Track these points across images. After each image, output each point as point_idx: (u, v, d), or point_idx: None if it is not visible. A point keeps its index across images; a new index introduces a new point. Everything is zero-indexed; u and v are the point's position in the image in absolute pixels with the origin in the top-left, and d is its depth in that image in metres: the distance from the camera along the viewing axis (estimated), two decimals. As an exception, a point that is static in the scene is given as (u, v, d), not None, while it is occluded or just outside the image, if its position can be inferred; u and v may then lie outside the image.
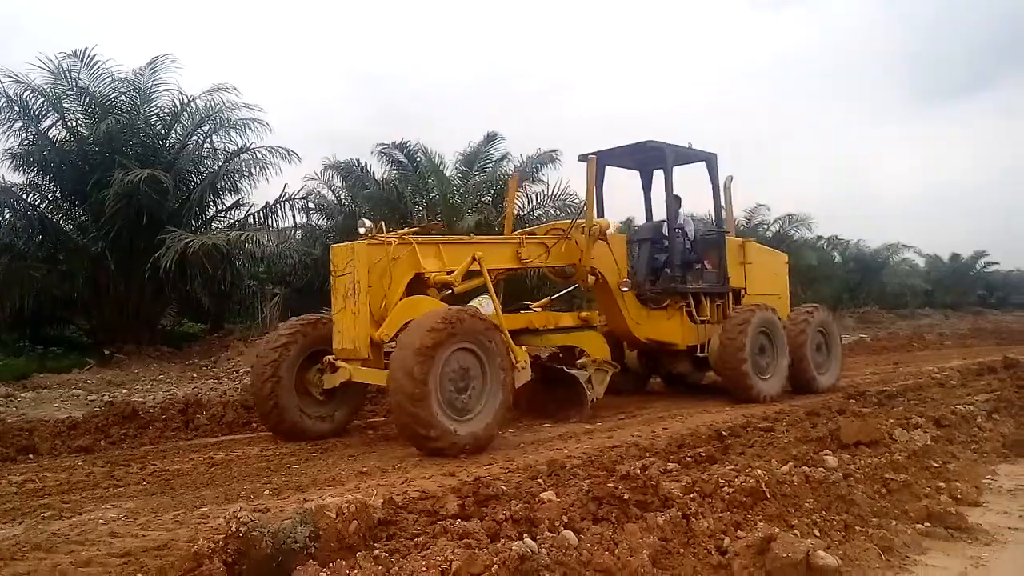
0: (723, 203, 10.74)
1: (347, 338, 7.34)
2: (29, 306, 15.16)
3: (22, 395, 10.95)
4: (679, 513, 3.77)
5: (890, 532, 4.15)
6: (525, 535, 3.43)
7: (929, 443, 5.86)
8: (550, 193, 19.70)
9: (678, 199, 10.58)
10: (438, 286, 7.70)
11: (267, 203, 17.45)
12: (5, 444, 7.24)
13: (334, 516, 3.00)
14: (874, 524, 4.24)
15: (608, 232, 9.40)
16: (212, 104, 16.63)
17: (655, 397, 10.65)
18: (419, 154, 19.87)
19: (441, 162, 20.07)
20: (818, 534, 3.98)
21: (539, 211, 19.77)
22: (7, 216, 15.57)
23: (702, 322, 10.16)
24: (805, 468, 4.68)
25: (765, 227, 35.99)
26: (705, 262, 10.49)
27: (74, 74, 15.55)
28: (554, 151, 20.07)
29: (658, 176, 11.03)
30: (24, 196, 15.74)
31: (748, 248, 11.11)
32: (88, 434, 7.70)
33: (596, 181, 10.57)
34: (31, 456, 7.12)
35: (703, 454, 5.67)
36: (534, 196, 19.91)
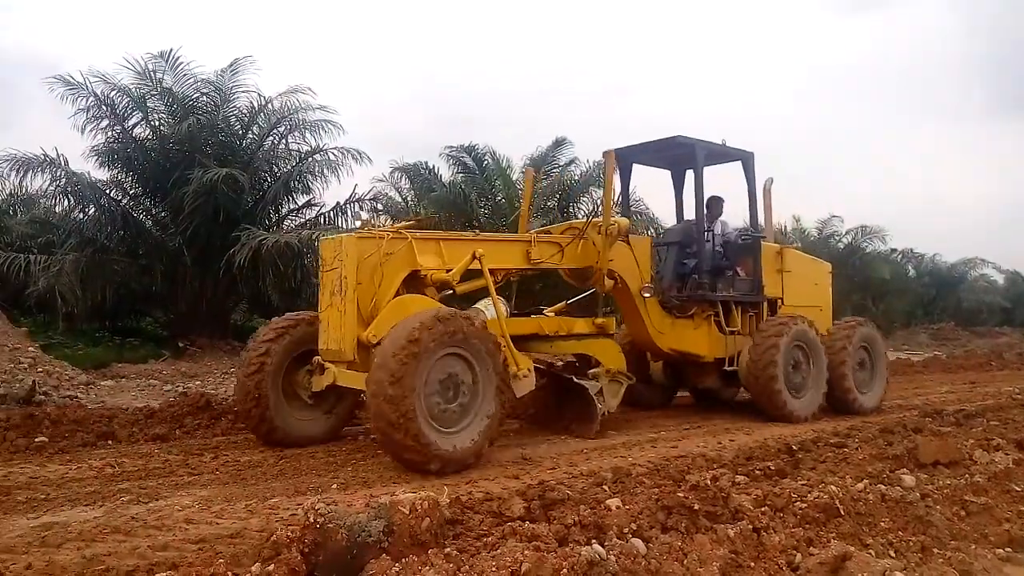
0: (760, 206, 10.16)
1: (332, 338, 6.91)
2: (110, 298, 15.77)
3: (102, 383, 11.40)
4: (750, 526, 3.70)
5: (969, 556, 4.00)
6: (593, 541, 3.43)
7: (1011, 465, 5.61)
8: (616, 199, 19.57)
9: (719, 200, 10.10)
10: (436, 285, 7.15)
11: (337, 203, 17.79)
12: (86, 430, 7.53)
13: (407, 512, 3.04)
14: (952, 547, 4.09)
15: (631, 234, 8.89)
16: (288, 105, 17.06)
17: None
18: (486, 157, 20.03)
19: (508, 166, 20.21)
20: (894, 555, 3.87)
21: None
22: (91, 211, 16.21)
23: (732, 333, 9.51)
24: (881, 486, 4.55)
25: (837, 238, 35.22)
26: (739, 269, 9.81)
27: (158, 75, 16.14)
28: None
29: (691, 176, 10.21)
30: (108, 192, 16.39)
31: (786, 255, 10.38)
32: (164, 423, 7.96)
33: (623, 179, 10.32)
34: (110, 442, 7.40)
35: (772, 468, 5.56)
36: (598, 201, 19.83)
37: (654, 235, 21.15)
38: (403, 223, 7.83)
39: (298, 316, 7.50)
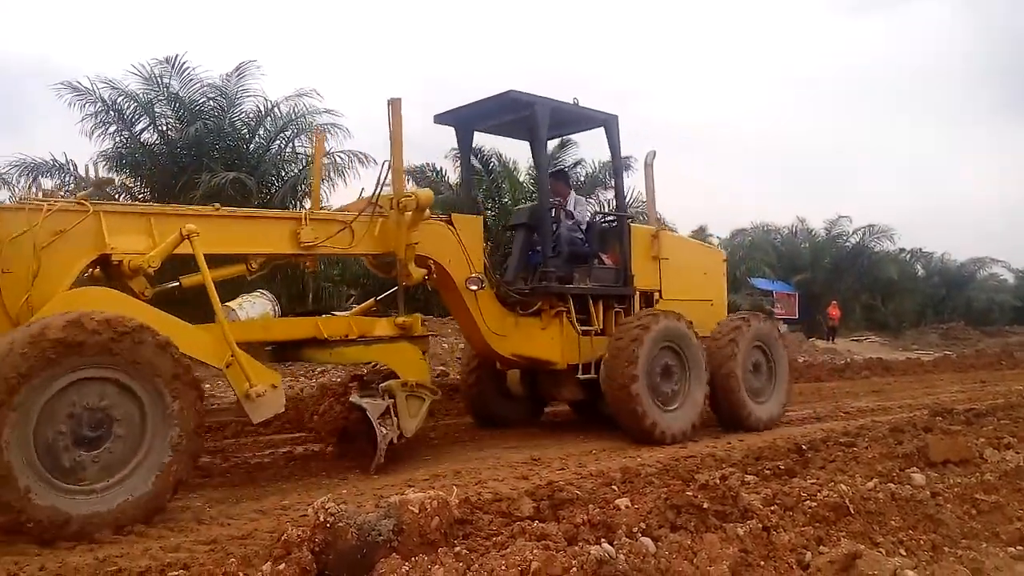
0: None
1: None
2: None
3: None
4: (759, 525, 3.69)
5: (980, 554, 3.98)
6: (603, 540, 3.43)
7: (1022, 464, 5.59)
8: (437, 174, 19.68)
9: (562, 174, 8.89)
10: (131, 274, 5.49)
11: (343, 206, 17.83)
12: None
13: (417, 511, 3.05)
14: (963, 545, 4.08)
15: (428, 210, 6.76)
16: (295, 109, 17.13)
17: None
18: (493, 159, 20.08)
19: (515, 167, 20.27)
20: (904, 553, 3.86)
21: (612, 218, 19.68)
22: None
23: (589, 333, 7.92)
24: (891, 485, 4.53)
25: (844, 238, 35.18)
26: (605, 256, 8.41)
27: (165, 80, 16.26)
28: (628, 157, 19.95)
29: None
30: (117, 196, 16.48)
31: (664, 240, 8.79)
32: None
33: (462, 150, 9.22)
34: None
35: (782, 467, 5.55)
36: (607, 203, 19.88)
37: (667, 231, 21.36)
38: (84, 192, 6.18)
39: None
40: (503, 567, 2.90)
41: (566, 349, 7.81)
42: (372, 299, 7.92)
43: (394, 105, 6.53)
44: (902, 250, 37.41)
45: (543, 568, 2.89)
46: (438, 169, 20.34)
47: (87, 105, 15.74)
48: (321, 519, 2.95)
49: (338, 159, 17.23)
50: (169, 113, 16.55)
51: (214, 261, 5.93)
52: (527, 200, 19.64)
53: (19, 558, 4.01)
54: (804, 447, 6.42)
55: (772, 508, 4.03)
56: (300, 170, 17.49)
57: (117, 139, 16.34)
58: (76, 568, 3.80)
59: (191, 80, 16.46)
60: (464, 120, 8.39)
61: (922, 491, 4.54)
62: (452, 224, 7.23)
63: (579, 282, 7.96)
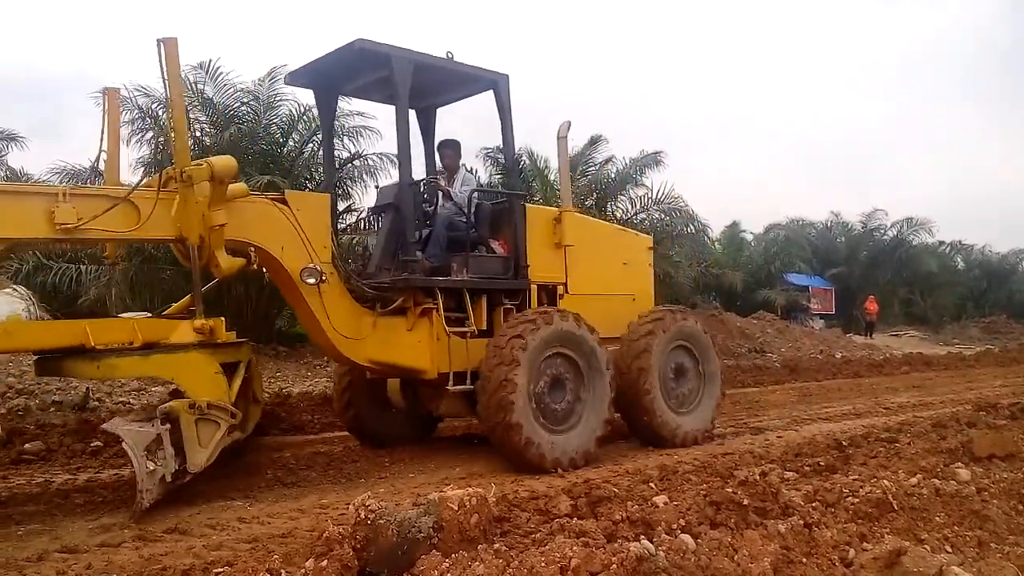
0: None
1: None
2: (158, 306, 16.11)
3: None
4: (801, 522, 3.66)
5: (1028, 551, 3.91)
6: (642, 537, 3.42)
7: (1070, 459, 5.48)
8: (654, 196, 19.50)
9: (455, 146, 7.54)
10: None
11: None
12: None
13: (456, 508, 3.07)
14: (1010, 541, 4.01)
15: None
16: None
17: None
18: (523, 157, 20.06)
19: (545, 166, 20.21)
20: (950, 550, 3.80)
21: (643, 215, 19.63)
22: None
23: (464, 335, 6.58)
24: (935, 481, 4.46)
25: (882, 231, 34.68)
26: (497, 244, 7.17)
27: (199, 86, 16.43)
28: (658, 153, 19.88)
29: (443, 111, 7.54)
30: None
31: (569, 223, 7.33)
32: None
33: (324, 116, 7.75)
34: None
35: (822, 463, 5.49)
36: (637, 200, 19.78)
37: (697, 231, 21.14)
38: None
39: None
40: (543, 564, 2.90)
41: (438, 354, 6.52)
42: (189, 296, 6.21)
43: (167, 45, 5.34)
44: (941, 242, 36.79)
45: (583, 565, 2.89)
46: (468, 169, 20.30)
47: (124, 112, 16.00)
48: (362, 516, 2.98)
49: (370, 161, 17.35)
50: (204, 118, 16.74)
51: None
52: (558, 201, 19.53)
53: (68, 556, 4.10)
54: (844, 443, 6.35)
55: (813, 505, 3.98)
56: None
57: (153, 145, 16.58)
58: (122, 566, 3.88)
59: (225, 86, 16.63)
60: (322, 81, 7.15)
61: (967, 487, 4.47)
62: (286, 203, 6.07)
63: (456, 273, 6.67)
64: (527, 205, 7.26)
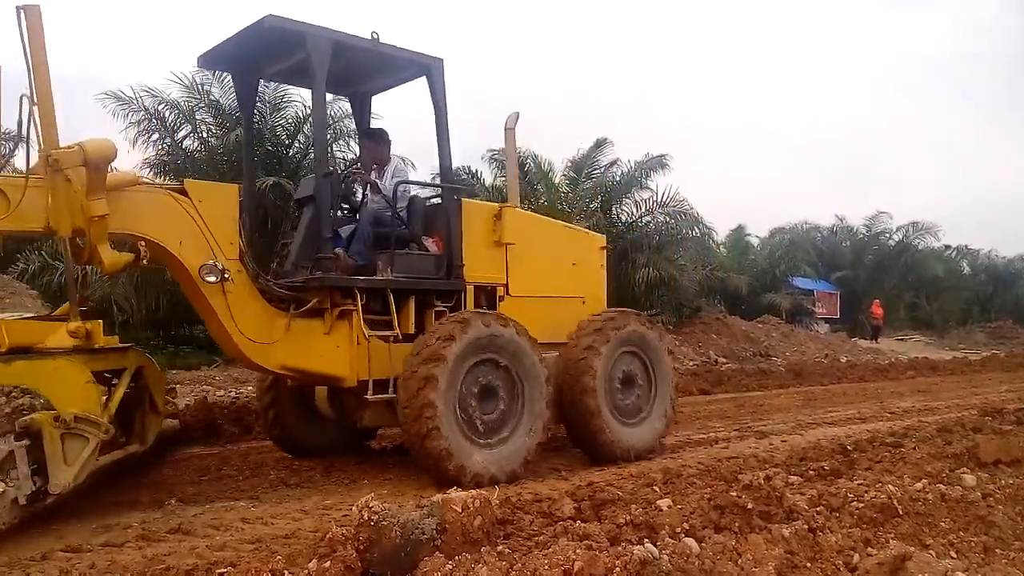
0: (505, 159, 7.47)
1: None
2: (163, 307, 16.15)
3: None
4: (805, 526, 3.64)
5: (1034, 557, 3.89)
6: (646, 540, 3.41)
7: (1077, 465, 5.45)
8: (659, 199, 19.49)
9: (383, 135, 7.19)
10: None
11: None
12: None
13: (459, 510, 3.07)
14: (1016, 547, 3.99)
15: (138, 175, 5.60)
16: (333, 114, 17.29)
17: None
18: (528, 160, 20.08)
19: (550, 168, 20.26)
20: (955, 555, 3.78)
21: (648, 218, 19.64)
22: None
23: (386, 339, 6.05)
24: (941, 486, 4.44)
25: (887, 236, 34.65)
26: (431, 241, 6.65)
27: (206, 87, 16.52)
28: (663, 156, 19.88)
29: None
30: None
31: (510, 220, 6.85)
32: (215, 427, 8.09)
33: (244, 101, 7.19)
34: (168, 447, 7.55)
35: (827, 468, 5.45)
36: (642, 203, 19.78)
37: (703, 234, 21.11)
38: None
39: None
40: (546, 567, 2.89)
41: (357, 360, 5.99)
42: (80, 296, 5.85)
43: (28, 13, 4.77)
44: (947, 247, 36.80)
45: (586, 568, 2.88)
46: (474, 171, 20.39)
47: (130, 114, 16.07)
48: (365, 517, 2.98)
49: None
50: (210, 120, 16.82)
51: None
52: (563, 204, 19.64)
53: (71, 555, 4.11)
54: (849, 448, 6.33)
55: (818, 509, 3.97)
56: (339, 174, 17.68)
57: (160, 147, 16.66)
58: (125, 566, 3.88)
59: (231, 87, 16.68)
60: (238, 64, 6.64)
61: (973, 492, 4.44)
62: (186, 194, 5.56)
63: (380, 272, 6.19)
64: (464, 200, 6.82)
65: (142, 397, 5.82)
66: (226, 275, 5.54)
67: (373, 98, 7.92)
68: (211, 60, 6.54)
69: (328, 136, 15.64)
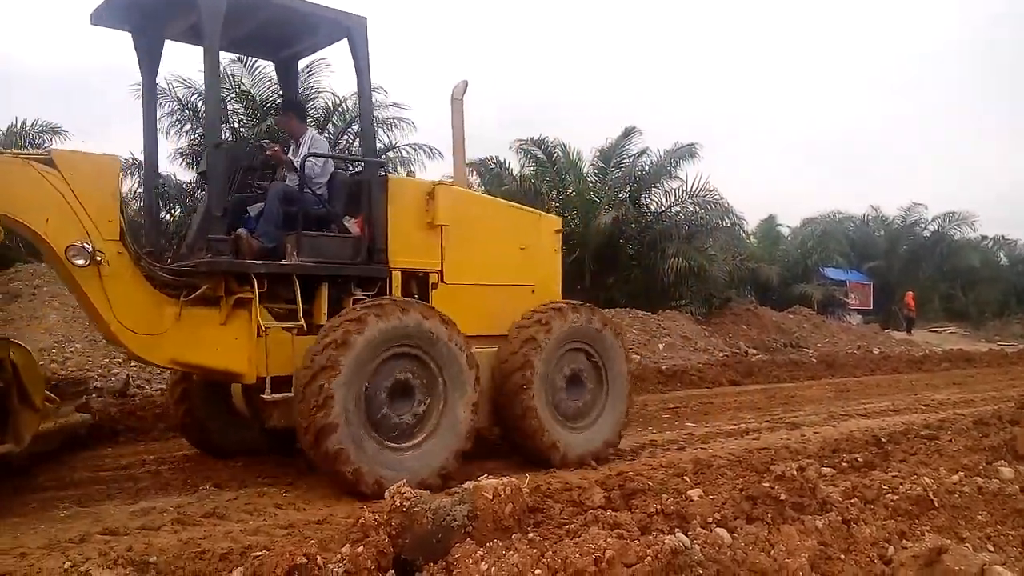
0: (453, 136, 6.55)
1: None
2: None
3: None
4: (839, 518, 3.60)
5: (1074, 551, 3.82)
6: (676, 530, 3.40)
7: (1118, 458, 5.34)
8: (689, 189, 19.30)
9: (295, 105, 6.76)
10: None
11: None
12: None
13: (490, 497, 3.08)
14: (1056, 542, 3.91)
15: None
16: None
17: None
18: (556, 150, 20.01)
19: (579, 158, 20.16)
20: (992, 548, 3.73)
21: (677, 208, 19.47)
22: (178, 211, 16.86)
23: (290, 331, 5.46)
24: (977, 479, 4.37)
25: (922, 226, 34.12)
26: (353, 222, 6.00)
27: (237, 78, 16.65)
28: (693, 144, 19.67)
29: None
30: (192, 193, 17.01)
31: (445, 199, 6.19)
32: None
33: (145, 64, 6.18)
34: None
35: (860, 459, 5.41)
36: (672, 192, 19.61)
37: (732, 224, 20.89)
38: None
39: None
40: (577, 554, 2.89)
41: (257, 354, 5.38)
42: None
43: None
44: (984, 237, 36.10)
45: (617, 557, 2.87)
46: (502, 161, 20.36)
47: (163, 104, 16.26)
48: (397, 503, 3.00)
49: (404, 152, 17.44)
50: (241, 110, 16.96)
51: None
52: (590, 192, 19.55)
53: (109, 537, 4.19)
54: (883, 440, 6.27)
55: (852, 501, 3.93)
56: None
57: (192, 137, 16.83)
58: (161, 549, 3.95)
59: (262, 78, 16.82)
60: (136, 22, 5.91)
61: (1010, 485, 4.37)
62: (53, 165, 4.95)
63: (287, 256, 5.60)
64: (390, 176, 6.18)
65: (12, 394, 5.12)
66: (98, 257, 4.97)
67: (300, 64, 7.32)
68: (103, 17, 5.80)
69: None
